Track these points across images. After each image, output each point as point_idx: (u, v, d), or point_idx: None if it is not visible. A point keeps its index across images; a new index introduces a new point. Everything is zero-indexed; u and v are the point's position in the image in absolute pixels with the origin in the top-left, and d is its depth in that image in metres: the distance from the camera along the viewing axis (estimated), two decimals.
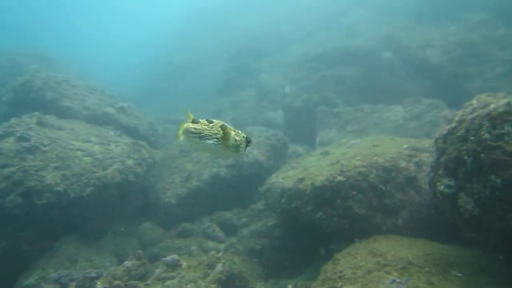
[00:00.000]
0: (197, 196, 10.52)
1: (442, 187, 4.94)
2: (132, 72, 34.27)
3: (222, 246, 9.03)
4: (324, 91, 16.78)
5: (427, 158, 7.30)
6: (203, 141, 3.48)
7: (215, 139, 3.45)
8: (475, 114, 4.65)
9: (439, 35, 15.16)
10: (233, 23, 33.41)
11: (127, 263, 7.07)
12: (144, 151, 10.16)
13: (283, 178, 8.34)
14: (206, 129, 3.48)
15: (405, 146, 7.82)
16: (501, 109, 4.47)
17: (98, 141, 9.72)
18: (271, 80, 20.00)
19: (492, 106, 4.54)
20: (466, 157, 4.66)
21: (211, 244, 9.19)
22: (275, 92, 18.86)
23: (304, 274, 7.79)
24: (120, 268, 7.02)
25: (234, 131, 3.51)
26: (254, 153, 11.44)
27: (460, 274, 4.88)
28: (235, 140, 3.46)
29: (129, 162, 9.24)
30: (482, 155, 4.49)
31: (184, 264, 7.05)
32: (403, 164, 7.13)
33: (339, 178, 6.87)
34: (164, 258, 7.04)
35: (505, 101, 4.55)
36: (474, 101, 4.96)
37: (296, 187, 7.46)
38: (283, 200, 7.75)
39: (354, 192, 6.78)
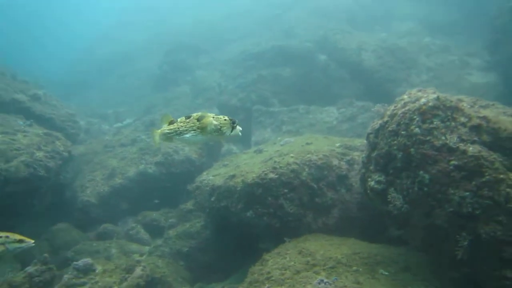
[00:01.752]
0: (121, 194, 9.66)
1: (372, 183, 4.78)
2: (63, 66, 31.81)
3: (146, 248, 8.31)
4: (261, 91, 16.58)
5: (358, 156, 7.24)
6: (182, 137, 3.71)
7: (192, 131, 3.65)
8: (406, 108, 4.55)
9: (372, 40, 15.67)
10: (170, 17, 32.34)
11: (30, 269, 6.15)
12: (59, 143, 9.08)
13: (213, 175, 7.86)
14: (182, 126, 3.71)
15: (337, 144, 7.73)
16: (431, 104, 4.39)
17: (1, 130, 8.47)
18: (207, 77, 19.45)
19: (423, 100, 4.46)
20: (396, 152, 4.53)
21: (134, 246, 8.42)
22: (212, 90, 18.34)
23: (234, 276, 7.37)
24: (20, 274, 6.08)
25: (213, 117, 3.62)
26: (186, 150, 10.82)
27: (386, 273, 4.84)
28: (214, 124, 3.56)
29: (39, 154, 8.15)
30: (411, 150, 4.38)
31: (99, 268, 6.30)
32: (335, 162, 7.00)
33: (271, 175, 6.54)
34: (75, 262, 6.23)
35: (434, 95, 4.49)
36: (405, 96, 4.88)
37: (227, 185, 7.03)
38: (212, 199, 7.27)
39: (286, 190, 6.50)
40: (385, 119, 4.81)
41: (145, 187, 9.85)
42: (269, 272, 5.10)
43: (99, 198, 9.44)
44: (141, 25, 32.25)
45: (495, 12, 14.05)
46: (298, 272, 4.93)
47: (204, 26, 27.96)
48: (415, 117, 4.41)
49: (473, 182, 4.00)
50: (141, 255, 8.01)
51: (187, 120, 3.74)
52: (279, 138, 9.88)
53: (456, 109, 4.37)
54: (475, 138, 4.20)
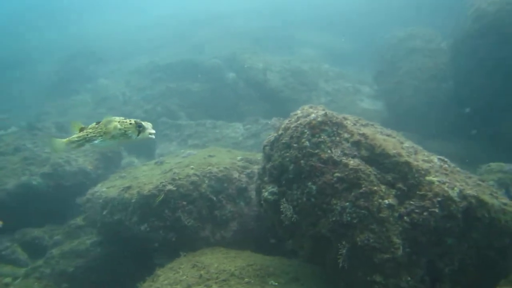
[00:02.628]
0: None
1: (266, 194, 4.93)
2: None
3: (22, 271, 7.38)
4: (168, 103, 16.32)
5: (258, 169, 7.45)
6: (91, 143, 3.71)
7: (100, 137, 3.66)
8: (299, 122, 4.81)
9: (277, 62, 16.49)
10: (74, 20, 30.31)
11: None
12: None
13: (107, 187, 7.39)
14: (91, 132, 3.72)
15: (239, 157, 7.85)
16: (319, 119, 4.71)
17: None
18: (111, 86, 18.51)
19: (313, 115, 4.76)
20: (288, 164, 4.74)
21: (7, 269, 7.43)
22: (115, 99, 17.46)
23: None
24: None
25: (119, 121, 3.62)
26: (80, 161, 10.02)
27: (276, 283, 4.99)
28: (119, 129, 3.57)
29: None
30: (302, 162, 4.63)
31: None
32: (235, 174, 7.08)
33: (170, 187, 6.37)
34: None
35: (323, 112, 4.84)
36: (298, 111, 5.17)
37: (121, 197, 6.65)
38: (105, 212, 6.80)
39: (185, 203, 6.37)
40: (280, 132, 5.03)
41: (26, 201, 8.82)
42: None
43: None
44: (45, 26, 29.64)
45: (380, 47, 15.88)
46: (189, 286, 4.84)
47: (111, 35, 26.76)
48: (305, 130, 4.69)
49: (352, 193, 4.35)
50: (15, 278, 7.09)
51: (96, 126, 3.75)
52: (182, 150, 9.72)
53: (341, 125, 4.76)
54: (356, 153, 4.60)
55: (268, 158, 5.17)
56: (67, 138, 3.88)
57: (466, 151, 9.50)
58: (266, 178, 5.09)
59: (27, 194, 8.81)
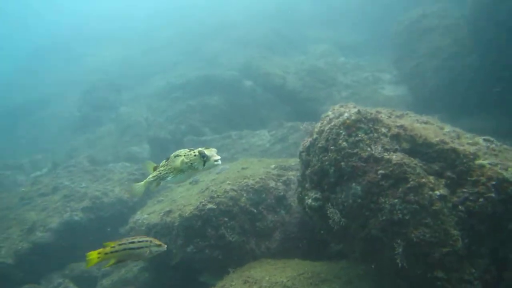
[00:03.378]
0: (44, 250, 8.72)
1: (309, 201, 4.83)
2: None
3: None
4: (191, 121, 16.44)
5: (294, 176, 7.36)
6: (165, 180, 3.72)
7: (171, 173, 3.67)
8: (332, 124, 4.71)
9: (292, 64, 16.41)
10: (83, 56, 31.12)
11: None
12: None
13: (148, 214, 7.45)
14: (162, 169, 3.74)
15: (272, 166, 7.78)
16: (353, 117, 4.60)
17: None
18: (133, 113, 18.83)
19: (346, 115, 4.65)
20: (328, 167, 4.64)
21: None
22: (138, 125, 17.76)
23: None
24: None
25: (184, 155, 3.62)
26: (116, 191, 10.20)
27: None
28: (185, 163, 3.55)
29: None
30: (342, 163, 4.52)
31: None
32: (272, 184, 7.02)
33: (210, 205, 6.36)
34: None
35: (355, 109, 4.72)
36: (329, 112, 5.07)
37: (163, 222, 6.69)
38: None
39: (226, 219, 6.34)
40: (314, 136, 4.94)
41: (71, 236, 9.02)
42: None
43: (16, 257, 8.42)
44: (56, 67, 30.55)
45: (394, 33, 15.53)
46: None
47: (123, 62, 27.32)
48: (341, 131, 4.58)
49: (400, 189, 4.20)
50: None
51: (166, 162, 3.78)
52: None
53: (376, 120, 4.63)
54: (397, 147, 4.45)
55: (306, 164, 5.09)
56: (145, 181, 3.92)
57: (502, 126, 9.10)
58: (307, 185, 5.00)
59: (70, 230, 9.01)
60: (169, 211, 6.76)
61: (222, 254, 6.23)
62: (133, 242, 4.04)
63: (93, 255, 3.97)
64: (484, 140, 4.68)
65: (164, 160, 3.84)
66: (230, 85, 17.91)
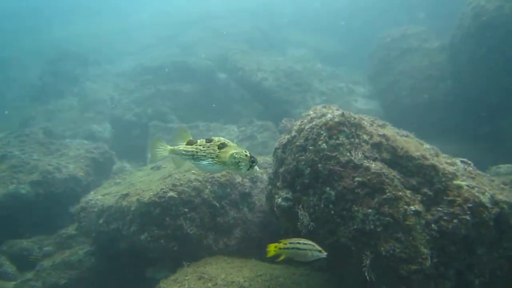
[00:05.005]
0: None
1: (279, 200, 4.59)
2: None
3: (11, 285, 6.88)
4: (159, 106, 15.88)
5: (261, 174, 7.13)
6: (197, 162, 3.38)
7: (210, 159, 3.33)
8: (314, 123, 4.50)
9: (270, 62, 16.20)
10: (53, 24, 29.46)
11: None
12: None
13: (102, 195, 6.95)
14: (201, 149, 3.36)
15: None
16: (336, 119, 4.41)
17: None
18: (98, 90, 17.94)
19: (329, 116, 4.46)
20: (304, 168, 4.43)
21: None
22: (103, 103, 16.93)
23: None
24: None
25: (235, 149, 3.33)
26: (70, 168, 9.53)
27: None
28: (234, 158, 3.26)
29: None
30: (319, 165, 4.31)
31: None
32: (238, 179, 6.74)
33: (171, 193, 5.98)
34: None
35: (339, 111, 4.54)
36: (311, 112, 4.86)
37: (119, 205, 6.23)
38: (101, 221, 6.37)
39: (187, 209, 6.00)
40: (293, 133, 4.71)
41: (15, 210, 8.30)
42: None
43: None
44: (24, 31, 28.67)
45: (374, 47, 15.75)
46: None
47: (96, 37, 26.11)
48: (322, 132, 4.38)
49: (375, 199, 4.05)
50: None
51: (208, 144, 3.38)
52: None
53: (359, 126, 4.46)
54: (377, 155, 4.31)
55: (280, 161, 4.84)
56: (173, 147, 3.50)
57: (472, 152, 9.34)
58: (278, 183, 4.76)
59: (15, 203, 8.29)
60: (126, 195, 6.30)
61: (178, 246, 5.89)
62: (299, 243, 4.04)
63: (271, 247, 4.13)
64: (462, 162, 4.65)
65: (204, 140, 3.44)
66: (204, 76, 17.52)
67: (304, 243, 4.04)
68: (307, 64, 16.88)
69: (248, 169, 3.33)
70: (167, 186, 6.07)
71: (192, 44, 21.72)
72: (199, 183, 6.26)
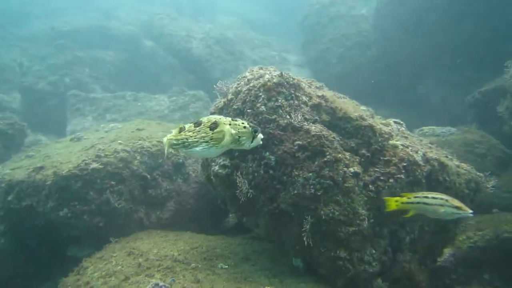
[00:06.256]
0: None
1: (216, 168, 4.31)
2: None
3: None
4: (78, 74, 14.50)
5: None
6: (190, 150, 3.02)
7: (204, 143, 2.95)
8: (251, 85, 4.23)
9: (200, 29, 15.51)
10: None
11: None
12: None
13: (11, 169, 6.10)
14: (191, 136, 3.00)
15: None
16: (275, 80, 4.18)
17: None
18: (3, 55, 15.82)
19: (267, 76, 4.21)
20: None
21: None
22: (10, 70, 15.00)
23: None
24: None
25: (230, 123, 2.94)
26: None
27: (226, 266, 4.50)
28: (232, 135, 2.90)
29: None
30: None
31: None
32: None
33: (94, 165, 5.41)
34: None
35: (277, 72, 4.31)
36: (247, 73, 4.57)
37: (31, 179, 5.51)
38: (10, 198, 5.59)
39: (113, 182, 5.49)
40: (229, 97, 4.40)
41: None
42: (88, 283, 4.11)
43: None
44: None
45: (303, 15, 15.72)
46: (127, 278, 4.08)
47: None
48: (260, 94, 4.13)
49: (316, 162, 3.94)
50: None
51: (197, 128, 2.99)
52: (102, 125, 8.52)
53: (298, 87, 4.28)
54: (316, 117, 4.18)
55: None
56: (168, 136, 3.15)
57: (397, 115, 9.84)
58: None
59: None
60: (41, 168, 5.58)
61: (104, 222, 5.42)
62: (427, 197, 3.61)
63: (391, 201, 3.76)
64: (395, 122, 4.72)
65: (193, 124, 3.02)
66: (129, 42, 16.32)
67: (433, 197, 3.61)
68: (238, 31, 16.44)
69: (252, 142, 3.00)
70: (89, 157, 5.48)
71: (112, 7, 20.00)
72: (127, 154, 5.75)
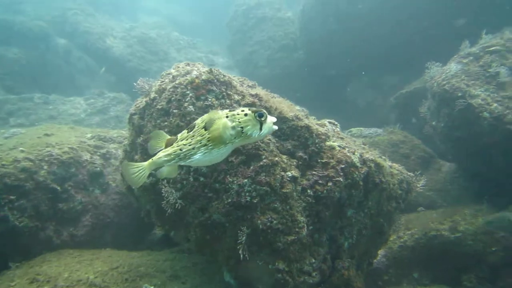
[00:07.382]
0: None
1: None
2: None
3: None
4: None
5: (116, 149, 6.11)
6: (189, 161, 2.54)
7: (203, 148, 2.46)
8: (177, 82, 3.77)
9: (119, 28, 14.50)
10: None
11: None
12: None
13: None
14: (185, 144, 2.50)
15: (89, 135, 6.29)
16: (204, 77, 3.77)
17: None
18: None
19: (195, 73, 3.79)
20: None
21: None
22: None
23: None
24: None
25: (227, 115, 2.44)
26: None
27: (152, 287, 4.07)
28: (232, 128, 2.40)
29: None
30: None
31: None
32: (86, 156, 5.59)
33: None
34: None
35: (206, 68, 3.91)
36: (172, 70, 4.11)
37: None
38: None
39: (13, 197, 4.65)
40: (152, 95, 3.89)
41: None
42: None
43: None
44: None
45: (230, 17, 15.50)
46: None
47: None
48: (188, 92, 3.68)
49: (251, 167, 3.60)
50: None
51: (191, 133, 2.51)
52: (2, 131, 7.37)
53: (229, 84, 3.92)
54: None
55: (138, 130, 3.98)
56: (151, 160, 2.61)
57: (326, 118, 9.97)
58: (137, 156, 3.91)
59: None
60: None
61: (2, 244, 4.54)
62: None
63: None
64: (330, 122, 4.55)
65: (186, 131, 2.55)
66: (37, 39, 14.71)
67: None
68: (162, 31, 15.66)
69: (260, 129, 2.49)
70: None
71: (17, 1, 17.92)
72: (31, 163, 4.93)
